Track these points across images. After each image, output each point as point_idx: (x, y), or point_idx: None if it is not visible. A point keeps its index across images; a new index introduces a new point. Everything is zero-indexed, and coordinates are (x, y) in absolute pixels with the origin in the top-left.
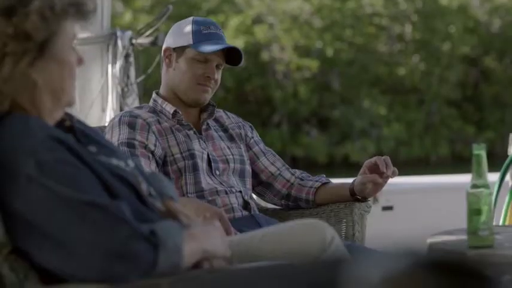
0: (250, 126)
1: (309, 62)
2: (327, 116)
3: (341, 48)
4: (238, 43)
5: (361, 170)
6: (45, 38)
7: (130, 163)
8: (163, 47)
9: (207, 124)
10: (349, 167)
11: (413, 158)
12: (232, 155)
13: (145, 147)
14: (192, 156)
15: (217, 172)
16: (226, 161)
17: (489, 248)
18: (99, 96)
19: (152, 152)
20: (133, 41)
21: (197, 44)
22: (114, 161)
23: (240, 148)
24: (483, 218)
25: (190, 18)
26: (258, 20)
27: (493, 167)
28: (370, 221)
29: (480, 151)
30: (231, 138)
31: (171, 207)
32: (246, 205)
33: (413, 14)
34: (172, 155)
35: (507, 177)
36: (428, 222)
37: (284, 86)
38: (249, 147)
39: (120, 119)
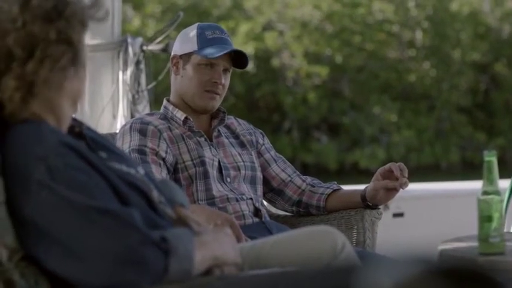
0: (261, 133)
1: (319, 69)
2: (337, 123)
3: (351, 54)
4: (249, 49)
5: (374, 177)
6: (80, 44)
7: (141, 170)
8: (171, 54)
9: (218, 131)
10: (360, 174)
11: (423, 165)
12: (243, 162)
13: (156, 154)
14: (203, 163)
15: (228, 179)
16: (238, 168)
17: (500, 254)
18: (110, 103)
19: (163, 159)
20: (144, 47)
21: (202, 49)
22: (125, 168)
23: (251, 155)
24: (494, 224)
25: (196, 24)
26: (268, 27)
27: (503, 174)
28: (381, 228)
29: (491, 158)
30: (242, 145)
31: (182, 214)
32: (256, 212)
33: (424, 21)
34: (183, 162)
35: None
36: (439, 229)
37: (294, 92)
38: (260, 154)
39: (131, 126)
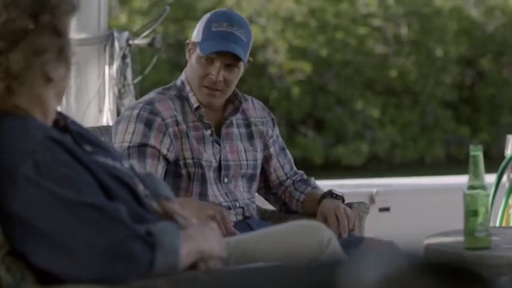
0: (273, 120)
1: (303, 64)
2: (323, 118)
3: (336, 49)
4: None
5: (319, 212)
6: (66, 35)
7: (126, 164)
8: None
9: (231, 120)
10: (345, 169)
11: (408, 160)
12: (247, 160)
13: (158, 150)
14: (201, 166)
15: (226, 180)
16: (240, 166)
17: (486, 249)
18: (96, 97)
19: (164, 156)
20: (130, 42)
21: (202, 43)
22: (110, 161)
23: (256, 151)
24: (480, 219)
25: (212, 12)
26: (250, 22)
27: (488, 168)
28: (367, 222)
29: (477, 152)
30: (250, 137)
31: (168, 208)
32: (245, 219)
33: (408, 16)
34: (184, 159)
35: (504, 179)
36: (425, 224)
37: (279, 87)
38: (266, 146)
39: (138, 113)
